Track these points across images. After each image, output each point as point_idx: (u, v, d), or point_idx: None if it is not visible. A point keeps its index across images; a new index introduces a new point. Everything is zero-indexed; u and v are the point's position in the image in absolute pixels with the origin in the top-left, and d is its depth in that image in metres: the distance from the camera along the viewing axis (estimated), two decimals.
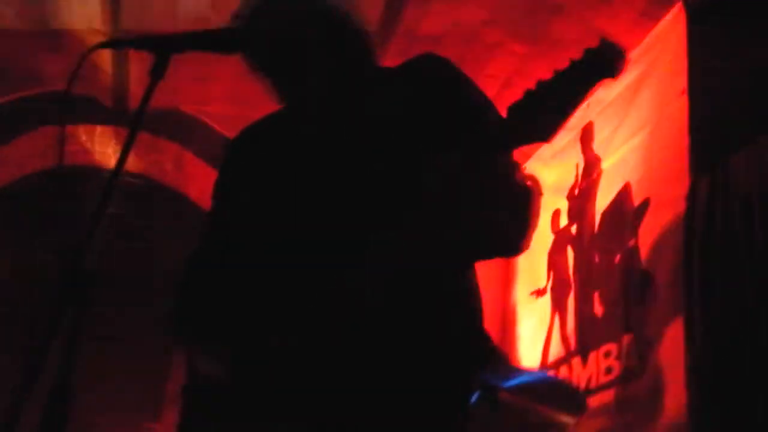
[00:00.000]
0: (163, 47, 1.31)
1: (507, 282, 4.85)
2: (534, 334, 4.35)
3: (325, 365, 1.22)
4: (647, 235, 3.37)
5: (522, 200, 1.38)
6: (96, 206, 1.11)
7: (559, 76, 1.36)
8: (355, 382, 1.22)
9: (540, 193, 1.43)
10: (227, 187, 1.51)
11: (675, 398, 2.92)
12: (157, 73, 1.28)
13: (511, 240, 1.38)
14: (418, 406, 1.24)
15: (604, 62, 1.45)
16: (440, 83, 1.39)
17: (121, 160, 1.18)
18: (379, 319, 1.23)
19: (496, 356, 1.40)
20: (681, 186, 3.07)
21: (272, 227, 1.36)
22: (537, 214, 1.40)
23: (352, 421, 1.21)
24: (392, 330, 1.24)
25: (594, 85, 1.44)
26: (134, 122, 1.24)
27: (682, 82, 3.28)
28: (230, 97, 4.38)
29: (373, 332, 1.23)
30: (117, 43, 1.39)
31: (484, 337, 1.38)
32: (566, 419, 3.01)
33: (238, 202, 1.47)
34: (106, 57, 4.13)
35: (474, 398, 2.73)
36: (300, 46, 1.47)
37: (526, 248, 1.40)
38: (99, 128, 4.71)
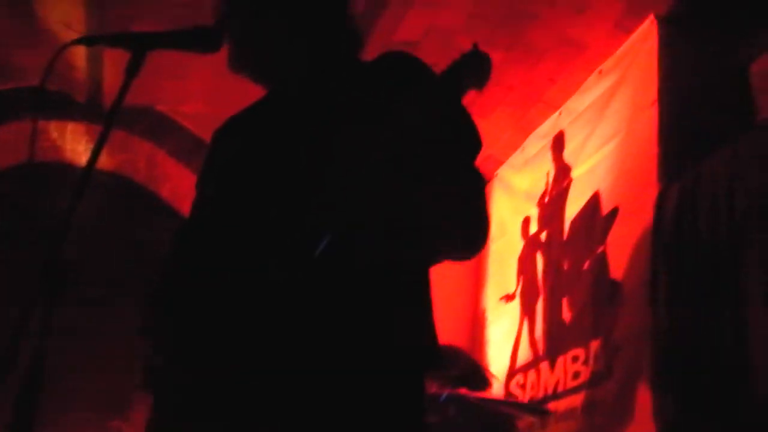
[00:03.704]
0: (139, 44, 1.32)
1: (477, 286, 4.89)
2: (503, 339, 4.39)
3: (264, 349, 1.23)
4: (616, 243, 3.42)
5: (477, 186, 1.38)
6: (69, 202, 1.12)
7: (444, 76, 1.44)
8: (297, 366, 1.23)
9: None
10: (201, 180, 1.53)
11: (641, 403, 2.96)
12: (132, 70, 1.29)
13: (469, 228, 1.36)
14: (355, 393, 1.24)
15: (474, 70, 1.53)
16: (402, 80, 1.40)
17: (94, 156, 1.19)
18: (323, 305, 1.24)
19: (442, 360, 1.39)
20: (650, 195, 3.12)
21: (232, 216, 1.37)
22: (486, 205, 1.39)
23: (293, 403, 1.22)
24: (333, 316, 1.25)
25: (465, 93, 1.51)
26: (108, 119, 1.25)
27: (653, 92, 3.33)
28: (206, 96, 4.36)
29: (316, 318, 1.23)
30: (92, 39, 1.39)
31: (430, 339, 1.37)
32: (530, 419, 3.08)
33: (206, 194, 1.49)
34: (79, 53, 4.09)
35: (442, 398, 2.79)
36: (274, 39, 1.49)
37: (484, 241, 1.38)
38: (71, 125, 4.66)
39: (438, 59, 4.12)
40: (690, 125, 3.07)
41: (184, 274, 1.37)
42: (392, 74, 1.39)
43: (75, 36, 1.40)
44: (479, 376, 3.43)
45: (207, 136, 1.65)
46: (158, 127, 4.72)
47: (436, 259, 1.40)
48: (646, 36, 3.51)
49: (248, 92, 1.62)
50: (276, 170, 1.34)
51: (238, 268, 1.28)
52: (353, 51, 1.54)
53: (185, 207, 4.75)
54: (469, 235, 1.37)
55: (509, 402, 3.51)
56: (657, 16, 3.43)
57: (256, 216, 1.32)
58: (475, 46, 1.69)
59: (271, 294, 1.22)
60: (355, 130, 1.28)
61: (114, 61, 3.84)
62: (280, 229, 1.25)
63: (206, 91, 4.30)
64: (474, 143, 1.40)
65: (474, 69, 1.63)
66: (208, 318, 1.28)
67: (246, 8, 1.49)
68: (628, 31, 3.65)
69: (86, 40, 1.36)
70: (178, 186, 4.84)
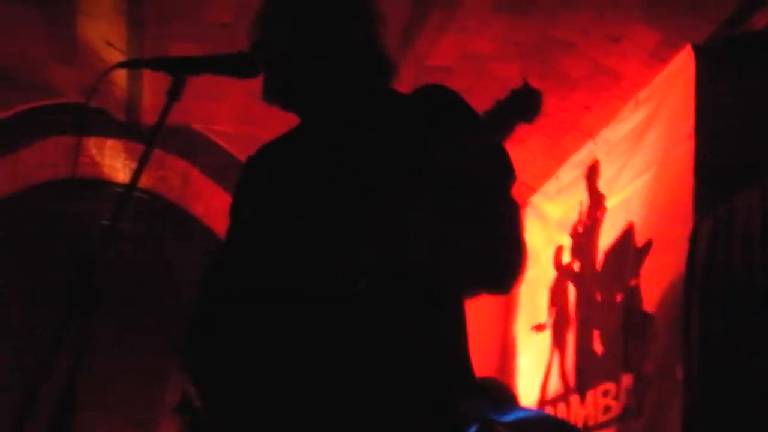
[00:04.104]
0: (181, 69, 1.34)
1: (508, 315, 4.85)
2: (533, 369, 4.34)
3: (301, 386, 1.24)
4: (649, 276, 3.38)
5: (512, 216, 1.37)
6: (108, 221, 1.13)
7: (490, 114, 1.43)
8: (333, 402, 1.23)
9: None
10: (235, 205, 1.54)
11: None
12: (173, 94, 1.31)
13: (504, 258, 1.35)
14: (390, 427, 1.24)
15: (524, 105, 1.53)
16: (436, 111, 1.40)
17: (136, 178, 1.21)
18: (356, 342, 1.24)
19: (478, 391, 1.39)
20: (684, 228, 3.08)
21: (268, 245, 1.38)
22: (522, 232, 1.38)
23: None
24: (367, 352, 1.25)
25: (514, 128, 1.52)
26: (149, 142, 1.27)
27: (690, 125, 3.29)
28: (239, 117, 4.41)
29: (349, 359, 1.24)
30: (136, 62, 1.42)
31: (465, 371, 1.36)
32: None
33: (242, 220, 1.50)
34: (120, 73, 4.16)
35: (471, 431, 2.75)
36: (305, 69, 1.50)
37: (520, 272, 1.37)
38: (109, 141, 4.73)
39: (471, 84, 4.14)
40: (726, 158, 3.03)
41: (222, 305, 1.38)
42: (430, 111, 1.39)
43: (114, 54, 1.42)
44: (507, 398, 3.37)
45: (240, 154, 1.67)
46: (193, 146, 4.77)
47: (472, 291, 1.39)
48: (683, 66, 3.48)
49: (279, 114, 1.63)
50: (313, 201, 1.35)
51: (278, 297, 1.29)
52: (386, 81, 1.54)
53: (217, 225, 4.79)
54: (505, 266, 1.36)
55: (543, 427, 3.41)
56: (695, 46, 3.40)
57: (296, 247, 1.32)
58: (526, 81, 1.68)
59: (311, 323, 1.23)
60: (389, 166, 1.29)
61: (154, 81, 3.89)
62: (322, 260, 1.26)
63: (240, 112, 4.34)
64: (508, 175, 1.40)
65: (525, 106, 1.63)
66: (245, 351, 1.29)
67: (277, 37, 1.51)
68: (664, 61, 3.62)
69: (131, 63, 1.40)
70: (210, 204, 4.88)
